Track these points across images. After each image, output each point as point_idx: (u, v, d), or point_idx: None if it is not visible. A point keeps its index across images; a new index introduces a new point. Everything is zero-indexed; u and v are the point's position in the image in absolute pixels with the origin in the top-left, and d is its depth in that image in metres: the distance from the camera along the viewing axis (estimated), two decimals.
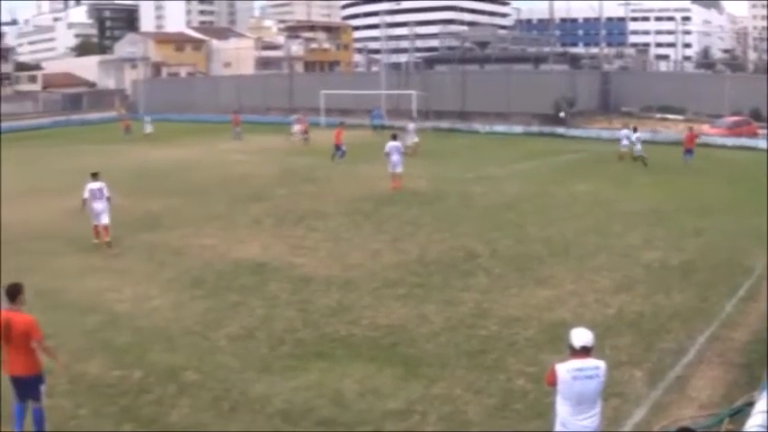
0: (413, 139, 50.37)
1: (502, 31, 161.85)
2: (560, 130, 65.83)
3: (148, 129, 69.09)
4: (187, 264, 23.14)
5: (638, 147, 45.80)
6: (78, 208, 26.54)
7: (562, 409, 9.62)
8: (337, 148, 47.82)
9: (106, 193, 25.84)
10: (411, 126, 52.57)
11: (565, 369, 9.49)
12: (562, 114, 69.25)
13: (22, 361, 11.70)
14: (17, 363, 11.72)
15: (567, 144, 57.12)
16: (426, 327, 17.19)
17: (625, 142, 46.87)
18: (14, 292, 11.69)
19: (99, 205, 25.59)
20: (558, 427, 9.70)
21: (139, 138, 66.72)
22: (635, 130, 47.80)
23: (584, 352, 9.56)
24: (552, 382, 9.65)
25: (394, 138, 38.07)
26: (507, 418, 12.80)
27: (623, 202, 32.51)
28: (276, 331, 16.98)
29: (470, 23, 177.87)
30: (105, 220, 25.68)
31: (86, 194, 25.79)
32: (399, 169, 36.74)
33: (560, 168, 44.52)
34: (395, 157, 36.81)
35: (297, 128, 63.01)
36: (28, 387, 11.82)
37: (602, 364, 9.68)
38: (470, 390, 13.79)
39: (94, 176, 26.26)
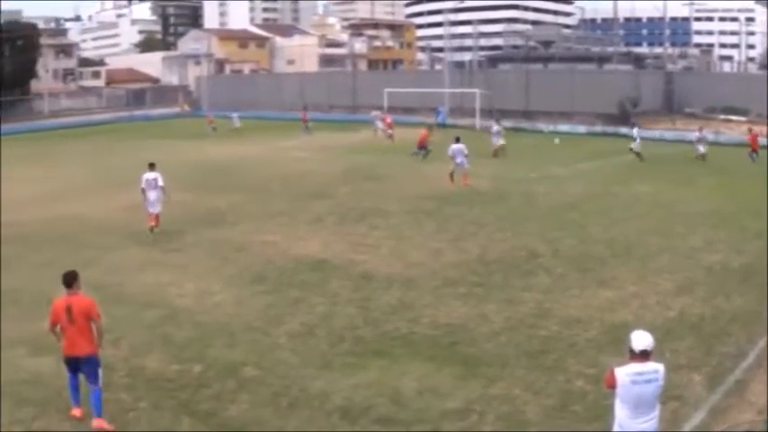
0: (498, 142, 50.40)
1: (566, 31, 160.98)
2: (624, 130, 65.20)
3: (237, 123, 71.43)
4: (249, 260, 23.35)
5: (637, 143, 48.48)
6: (140, 201, 27.34)
7: (620, 411, 9.60)
8: (421, 147, 48.07)
9: (160, 182, 27.01)
10: (495, 128, 51.93)
11: (624, 373, 9.46)
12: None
13: (84, 341, 12.26)
14: (79, 343, 12.24)
15: (630, 144, 56.53)
16: (486, 326, 17.17)
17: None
18: (70, 279, 12.43)
19: (153, 194, 26.82)
20: (615, 428, 9.68)
21: (226, 133, 68.37)
22: (633, 125, 52.30)
23: (644, 356, 9.52)
24: (611, 384, 9.64)
25: (457, 140, 37.97)
26: (565, 418, 12.77)
27: (685, 203, 32.16)
28: (336, 328, 17.08)
29: (534, 22, 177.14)
30: (157, 208, 26.94)
31: (143, 184, 26.97)
32: (466, 167, 36.98)
33: (623, 169, 44.05)
34: (459, 159, 36.94)
35: (380, 124, 63.63)
36: (87, 367, 12.29)
37: (660, 367, 9.63)
38: (529, 390, 13.77)
39: (151, 167, 27.51)
